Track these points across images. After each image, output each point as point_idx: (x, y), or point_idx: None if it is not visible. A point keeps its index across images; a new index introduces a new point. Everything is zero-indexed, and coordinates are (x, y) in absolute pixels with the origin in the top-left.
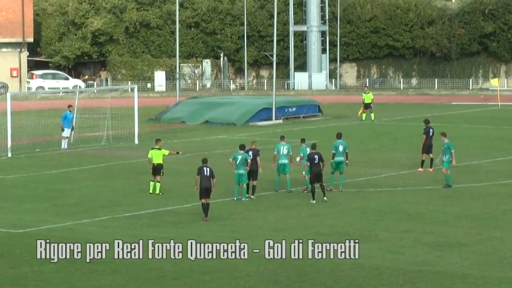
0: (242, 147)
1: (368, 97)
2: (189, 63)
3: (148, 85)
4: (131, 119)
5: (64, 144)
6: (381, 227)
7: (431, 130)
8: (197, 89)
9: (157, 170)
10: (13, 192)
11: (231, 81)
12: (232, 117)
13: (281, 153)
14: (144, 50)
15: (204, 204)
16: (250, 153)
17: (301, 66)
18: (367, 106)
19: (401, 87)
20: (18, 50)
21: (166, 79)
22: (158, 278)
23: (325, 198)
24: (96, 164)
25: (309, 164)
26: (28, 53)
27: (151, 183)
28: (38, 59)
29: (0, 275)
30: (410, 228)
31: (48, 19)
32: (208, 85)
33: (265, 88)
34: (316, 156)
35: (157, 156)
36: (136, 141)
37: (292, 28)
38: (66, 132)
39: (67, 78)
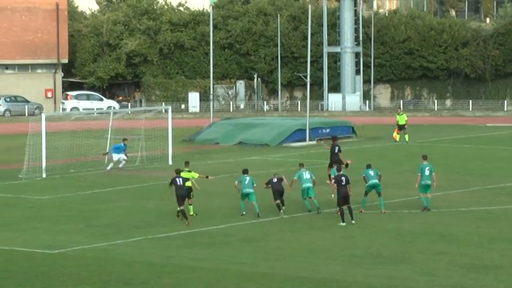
0: (245, 171)
1: (402, 118)
2: (222, 84)
3: (182, 106)
4: (165, 140)
5: (114, 165)
6: (415, 249)
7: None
8: (231, 110)
9: (187, 193)
10: (48, 213)
11: (265, 102)
12: (266, 138)
13: (304, 177)
14: (178, 71)
15: (180, 212)
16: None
17: (335, 88)
18: (401, 127)
19: (436, 109)
20: (53, 71)
21: (200, 100)
22: None
23: (353, 221)
24: (131, 185)
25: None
26: (63, 74)
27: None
28: (73, 80)
29: None
30: (444, 250)
31: (83, 40)
32: (242, 106)
33: (299, 109)
34: (343, 178)
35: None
36: (170, 162)
37: (326, 49)
38: (115, 157)
39: (101, 99)
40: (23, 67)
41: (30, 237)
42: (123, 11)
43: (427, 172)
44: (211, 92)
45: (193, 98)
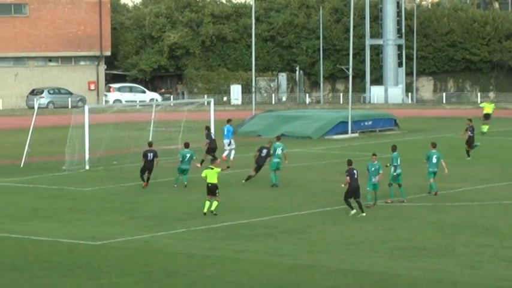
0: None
1: (490, 107)
2: (264, 76)
3: (224, 98)
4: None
5: (228, 155)
6: (458, 242)
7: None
8: (273, 103)
9: (212, 190)
10: (91, 205)
11: (307, 94)
12: (308, 130)
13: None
14: (220, 63)
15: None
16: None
17: (377, 80)
18: (487, 117)
19: (479, 101)
20: (96, 63)
21: (242, 92)
22: None
23: (363, 213)
24: (172, 177)
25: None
26: (106, 67)
27: (207, 202)
28: (116, 72)
29: (78, 287)
30: (487, 243)
31: (126, 33)
32: (284, 98)
33: (341, 102)
34: (355, 171)
35: (212, 176)
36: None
37: (369, 42)
38: (227, 143)
39: (144, 92)
40: (66, 59)
41: (74, 228)
42: (165, 4)
43: (434, 160)
44: (253, 85)
45: (236, 90)
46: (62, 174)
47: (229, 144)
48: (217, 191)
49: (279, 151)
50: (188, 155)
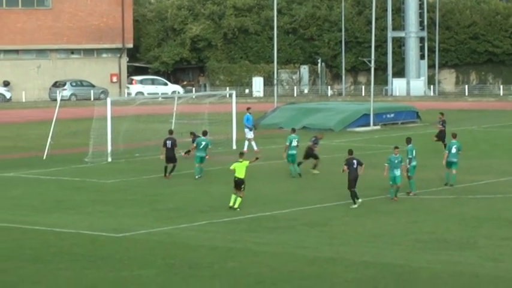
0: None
1: None
2: (286, 69)
3: (246, 91)
4: (229, 125)
5: (254, 146)
6: (480, 234)
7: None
8: (295, 95)
9: (239, 184)
10: (113, 197)
11: (329, 87)
12: (330, 123)
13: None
14: (242, 55)
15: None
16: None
17: (399, 72)
18: None
19: (501, 94)
20: (118, 55)
21: (264, 85)
22: (256, 284)
23: (355, 205)
24: (193, 170)
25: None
26: (128, 59)
27: (233, 196)
28: (138, 64)
29: (100, 279)
30: (510, 235)
31: (148, 25)
32: (305, 91)
33: (363, 94)
34: (354, 161)
35: (240, 169)
36: (234, 147)
37: (391, 34)
38: (249, 134)
39: (166, 84)
40: (89, 52)
41: (96, 220)
42: None
43: (454, 150)
44: (275, 77)
45: (257, 82)
46: (84, 166)
47: (251, 130)
48: (243, 186)
49: (294, 143)
50: (204, 143)
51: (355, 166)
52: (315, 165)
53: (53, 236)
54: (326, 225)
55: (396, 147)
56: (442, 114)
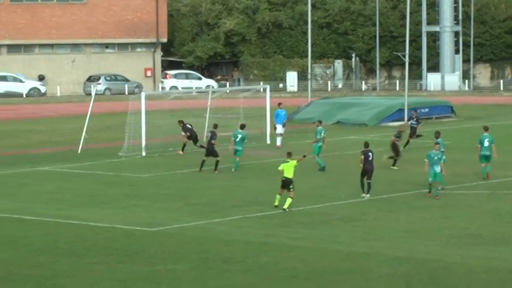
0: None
1: None
2: (320, 63)
3: (280, 85)
4: (263, 119)
5: (278, 142)
6: None
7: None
8: (329, 90)
9: (287, 184)
10: (147, 191)
11: (363, 81)
12: (364, 117)
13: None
14: (276, 50)
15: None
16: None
17: (434, 67)
18: None
19: None
20: (152, 50)
21: (298, 79)
22: (290, 278)
23: (368, 195)
24: (228, 164)
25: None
26: (162, 53)
27: (278, 196)
28: (172, 59)
29: (134, 273)
30: None
31: (182, 19)
32: (339, 85)
33: (397, 88)
34: (370, 154)
35: (288, 169)
36: (268, 141)
37: (425, 28)
38: (280, 129)
39: (200, 78)
40: (123, 46)
41: (130, 214)
42: None
43: (486, 143)
44: (309, 72)
45: (291, 77)
46: (118, 160)
47: (283, 126)
48: (291, 186)
49: (321, 134)
50: (240, 136)
51: (370, 158)
52: (395, 161)
53: (88, 230)
54: (360, 220)
55: (436, 143)
56: (415, 111)
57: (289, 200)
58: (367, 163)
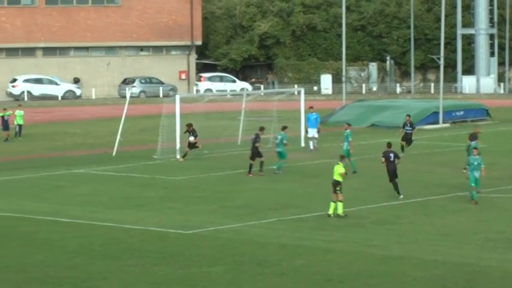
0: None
1: None
2: (355, 66)
3: (315, 88)
4: (297, 122)
5: (311, 145)
6: None
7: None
8: (363, 92)
9: (333, 185)
10: (182, 194)
11: (397, 84)
12: (398, 120)
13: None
14: (310, 53)
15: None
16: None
17: (469, 70)
18: None
19: None
20: (187, 52)
21: (333, 82)
22: (325, 281)
23: (401, 196)
24: (263, 166)
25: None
26: (196, 56)
27: (332, 204)
28: (206, 61)
29: (169, 275)
30: None
31: (217, 22)
32: (374, 88)
33: (432, 91)
34: (391, 154)
35: (336, 171)
36: (302, 144)
37: (460, 31)
38: (311, 133)
39: (234, 81)
40: (158, 49)
41: (165, 217)
42: None
43: None
44: (344, 74)
45: (326, 80)
46: (153, 163)
47: (318, 131)
48: (337, 188)
49: (349, 138)
50: (279, 137)
51: (392, 159)
52: None
53: (123, 233)
54: (395, 223)
55: (475, 148)
56: (409, 116)
57: (340, 205)
58: (389, 164)
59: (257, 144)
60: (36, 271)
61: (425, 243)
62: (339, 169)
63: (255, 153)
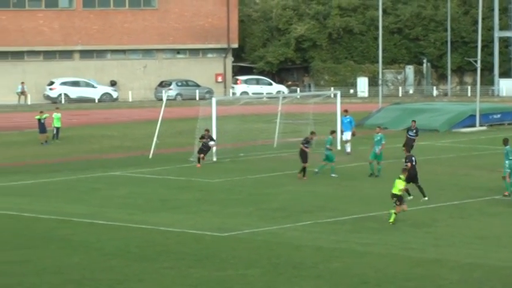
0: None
1: None
2: (391, 69)
3: (351, 91)
4: (334, 125)
5: (347, 148)
6: None
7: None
8: (399, 95)
9: (392, 197)
10: (218, 196)
11: (434, 87)
12: (435, 123)
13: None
14: (346, 56)
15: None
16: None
17: (506, 73)
18: None
19: None
20: (223, 55)
21: (369, 85)
22: (361, 284)
23: (425, 198)
24: (299, 169)
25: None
26: (233, 59)
27: (392, 212)
28: (243, 64)
29: (205, 278)
30: None
31: (253, 25)
32: (410, 91)
33: (469, 94)
34: (413, 158)
35: (396, 185)
36: (338, 147)
37: (497, 34)
38: (346, 136)
39: (270, 84)
40: (194, 52)
41: (201, 219)
42: None
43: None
44: (380, 77)
45: (362, 82)
46: (189, 165)
47: (353, 134)
48: (394, 201)
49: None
50: (327, 141)
51: (413, 163)
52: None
53: (159, 235)
54: (431, 226)
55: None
56: (414, 122)
57: (393, 216)
58: (411, 168)
59: (305, 147)
60: (72, 273)
61: (461, 246)
62: (400, 184)
63: (304, 157)
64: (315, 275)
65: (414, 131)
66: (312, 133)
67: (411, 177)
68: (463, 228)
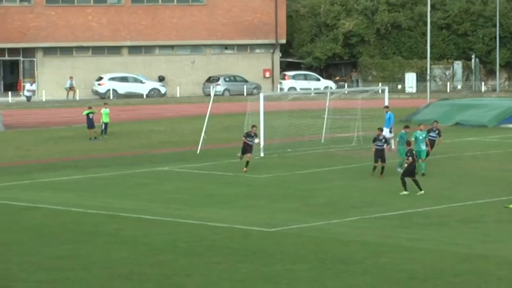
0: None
1: None
2: (439, 64)
3: (399, 86)
4: (382, 121)
5: (393, 144)
6: None
7: None
8: (448, 91)
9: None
10: (266, 192)
11: (482, 83)
12: (483, 119)
13: None
14: (394, 51)
15: None
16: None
17: None
18: None
19: None
20: (271, 51)
21: (417, 81)
22: (409, 280)
23: (422, 191)
24: (347, 165)
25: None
26: (281, 54)
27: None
28: (290, 60)
29: (253, 272)
30: None
31: (301, 20)
32: (459, 87)
33: None
34: (415, 152)
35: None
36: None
37: None
38: (385, 133)
39: (318, 79)
40: (242, 47)
41: (248, 215)
42: None
43: None
44: (428, 73)
45: (410, 78)
46: (236, 161)
47: (390, 131)
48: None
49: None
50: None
51: (415, 157)
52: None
53: (207, 230)
54: (479, 222)
55: None
56: (436, 122)
57: None
58: (411, 162)
59: (384, 147)
60: (121, 268)
61: (510, 242)
62: None
63: (380, 156)
64: (362, 270)
65: (436, 131)
66: (380, 129)
67: (410, 171)
68: (511, 224)
